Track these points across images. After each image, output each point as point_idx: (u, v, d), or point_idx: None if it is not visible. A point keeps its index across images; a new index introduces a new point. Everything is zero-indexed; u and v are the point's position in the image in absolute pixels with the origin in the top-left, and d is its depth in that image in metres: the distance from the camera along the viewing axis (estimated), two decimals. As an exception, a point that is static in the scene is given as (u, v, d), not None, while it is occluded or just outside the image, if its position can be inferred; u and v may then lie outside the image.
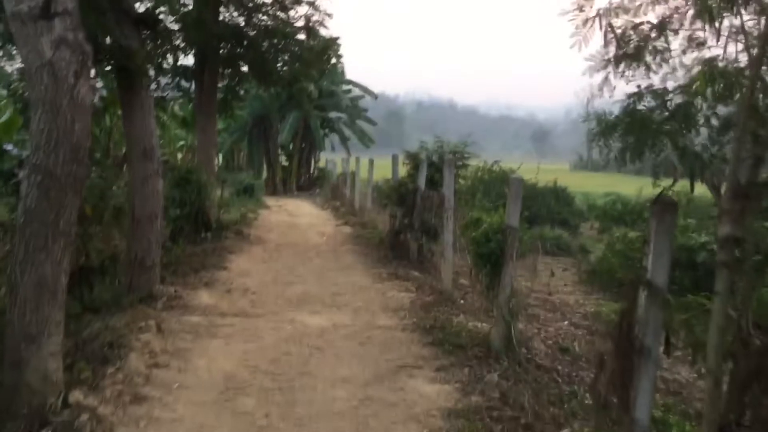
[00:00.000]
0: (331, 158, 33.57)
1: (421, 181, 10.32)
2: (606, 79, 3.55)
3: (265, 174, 33.22)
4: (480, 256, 5.71)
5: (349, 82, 33.01)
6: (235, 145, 36.57)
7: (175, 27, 10.76)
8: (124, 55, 6.62)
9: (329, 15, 12.86)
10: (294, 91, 15.95)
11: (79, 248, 8.25)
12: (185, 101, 17.56)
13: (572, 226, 22.60)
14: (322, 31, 12.91)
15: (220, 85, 13.65)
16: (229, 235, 12.26)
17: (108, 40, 6.77)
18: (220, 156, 41.73)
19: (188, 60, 12.10)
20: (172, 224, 11.31)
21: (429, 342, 6.08)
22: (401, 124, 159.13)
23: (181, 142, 26.73)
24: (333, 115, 32.36)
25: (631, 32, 3.55)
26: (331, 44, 12.52)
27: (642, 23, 3.53)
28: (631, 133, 3.50)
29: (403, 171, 12.12)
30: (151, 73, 11.64)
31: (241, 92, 15.19)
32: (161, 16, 9.72)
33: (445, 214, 8.07)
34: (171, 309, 6.92)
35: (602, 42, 3.56)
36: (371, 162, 16.20)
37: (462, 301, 8.16)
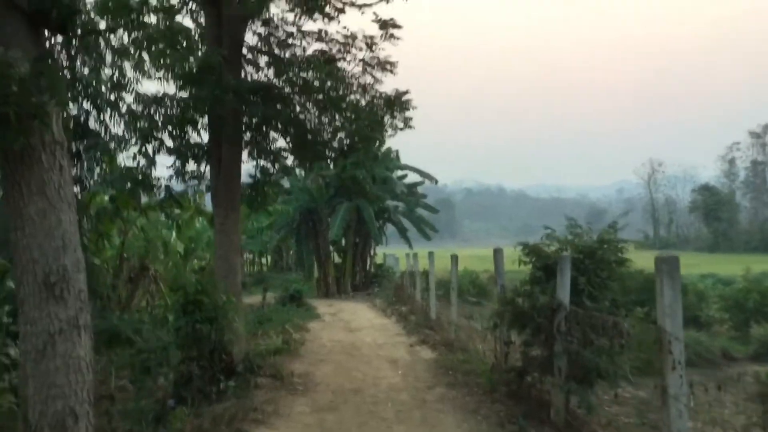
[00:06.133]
0: (389, 252, 29.86)
1: (564, 293, 6.29)
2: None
3: (316, 273, 29.61)
4: None
5: (405, 167, 29.67)
6: (282, 243, 33.48)
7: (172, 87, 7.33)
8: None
9: (392, 63, 9.39)
10: (345, 175, 12.59)
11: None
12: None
13: (701, 323, 17.93)
14: (387, 83, 9.41)
15: (253, 172, 10.12)
16: (261, 380, 8.32)
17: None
18: (267, 256, 38.69)
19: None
20: (174, 373, 7.58)
21: None
22: (452, 212, 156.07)
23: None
24: (389, 203, 28.79)
25: None
26: (398, 99, 8.90)
27: None
28: None
29: (508, 264, 8.18)
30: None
31: (280, 177, 11.59)
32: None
33: (672, 367, 3.95)
34: None
35: None
36: (455, 259, 12.12)
37: None
